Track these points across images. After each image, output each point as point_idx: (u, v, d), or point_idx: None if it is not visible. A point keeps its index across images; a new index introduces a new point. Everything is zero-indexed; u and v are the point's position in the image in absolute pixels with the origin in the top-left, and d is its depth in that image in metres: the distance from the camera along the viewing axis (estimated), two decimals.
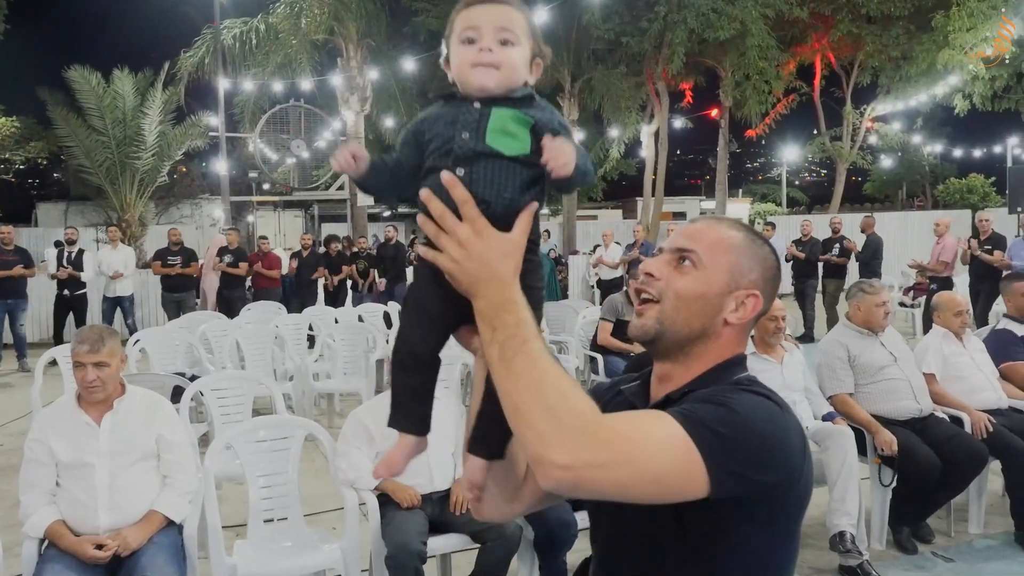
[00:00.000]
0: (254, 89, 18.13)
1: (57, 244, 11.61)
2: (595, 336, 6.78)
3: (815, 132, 25.29)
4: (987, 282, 9.51)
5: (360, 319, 8.39)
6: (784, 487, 1.13)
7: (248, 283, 11.66)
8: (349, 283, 12.31)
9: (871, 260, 11.07)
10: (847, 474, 3.79)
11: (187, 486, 3.14)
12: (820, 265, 11.34)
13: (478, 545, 3.34)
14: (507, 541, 3.27)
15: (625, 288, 6.98)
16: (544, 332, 3.02)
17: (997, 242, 9.92)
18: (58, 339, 10.41)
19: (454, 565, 3.74)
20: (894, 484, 4.09)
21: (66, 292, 10.55)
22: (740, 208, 34.53)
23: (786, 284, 11.63)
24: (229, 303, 10.94)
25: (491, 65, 1.13)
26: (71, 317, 10.70)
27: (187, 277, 11.13)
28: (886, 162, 34.23)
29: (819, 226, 13.33)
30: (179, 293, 11.01)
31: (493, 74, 1.13)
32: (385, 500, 3.35)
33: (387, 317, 8.94)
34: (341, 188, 18.58)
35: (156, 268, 11.07)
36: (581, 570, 1.43)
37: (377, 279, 12.09)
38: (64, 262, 10.48)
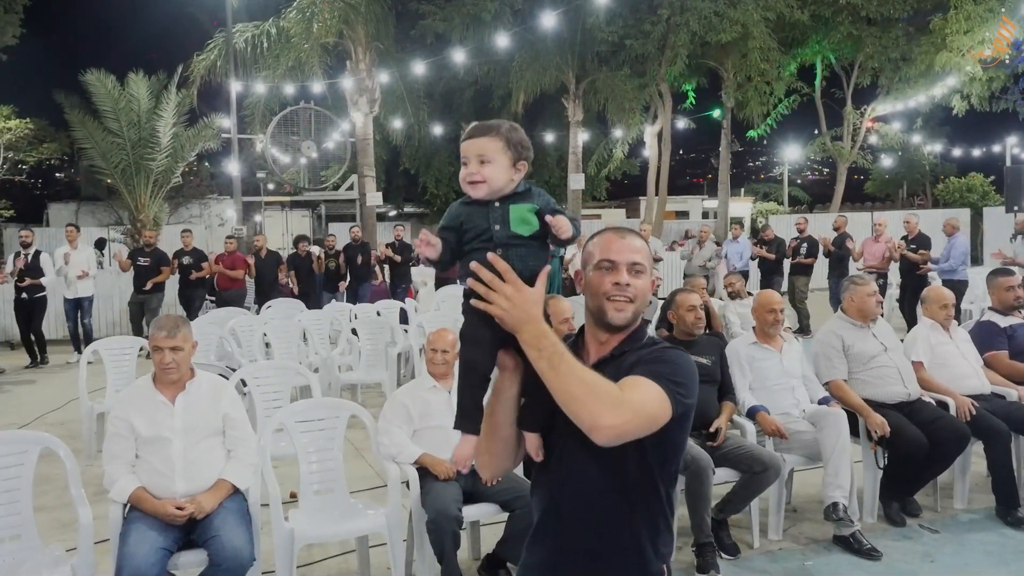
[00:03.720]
0: (265, 91, 18.51)
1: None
2: None
3: (816, 132, 25.64)
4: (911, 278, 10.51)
5: (378, 314, 8.76)
6: (694, 402, 1.72)
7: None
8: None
9: (845, 257, 11.70)
10: (840, 451, 4.16)
11: (250, 459, 3.52)
12: (787, 263, 12.03)
13: (507, 513, 3.71)
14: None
15: None
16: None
17: (922, 242, 10.75)
18: (26, 342, 10.52)
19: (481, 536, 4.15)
20: (886, 464, 4.46)
21: (24, 296, 10.31)
22: (742, 207, 34.85)
23: (754, 282, 12.24)
24: (188, 303, 11.15)
25: (477, 182, 1.65)
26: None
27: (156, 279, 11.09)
28: (887, 162, 34.55)
29: (817, 224, 13.68)
30: (144, 294, 10.99)
31: (482, 187, 1.66)
32: (424, 473, 3.73)
33: (403, 314, 9.32)
34: (350, 188, 18.94)
35: (124, 265, 11.16)
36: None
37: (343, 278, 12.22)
38: (21, 267, 10.25)
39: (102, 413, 5.96)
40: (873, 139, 27.24)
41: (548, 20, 15.81)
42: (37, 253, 10.38)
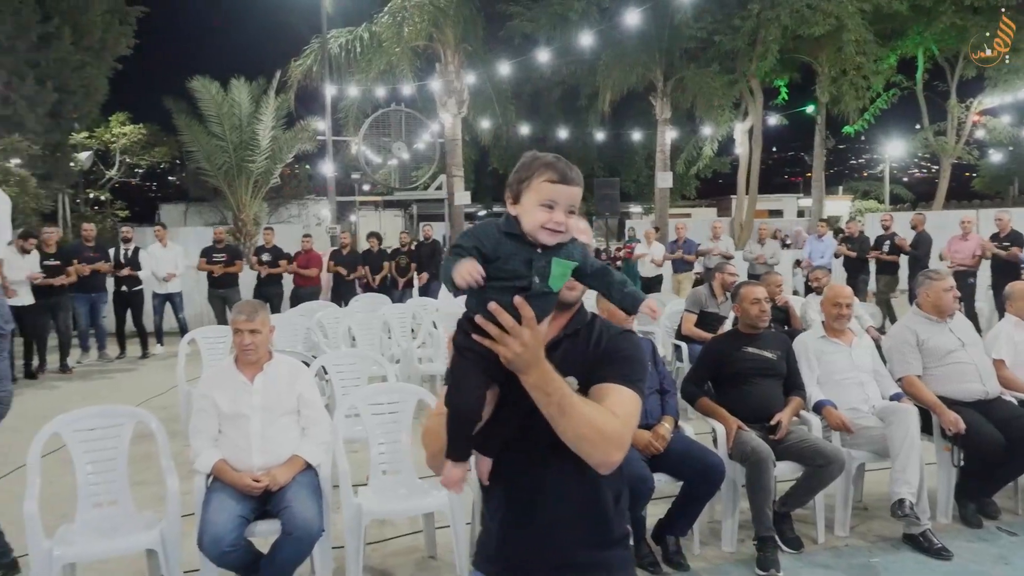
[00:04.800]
0: (358, 94, 19.12)
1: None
2: (680, 326, 7.18)
3: (918, 127, 24.62)
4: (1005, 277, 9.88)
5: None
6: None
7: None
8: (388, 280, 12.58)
9: (923, 257, 11.30)
10: (908, 447, 4.08)
11: (322, 437, 3.74)
12: (872, 262, 11.69)
13: None
14: None
15: (709, 282, 7.33)
16: (634, 324, 3.47)
17: (1016, 239, 10.35)
18: (120, 333, 11.14)
19: None
20: (962, 463, 4.35)
21: (124, 288, 10.94)
22: (840, 205, 33.78)
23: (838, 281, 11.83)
24: (267, 300, 11.25)
25: (558, 232, 1.56)
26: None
27: (231, 274, 11.50)
28: (996, 157, 32.81)
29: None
30: (223, 289, 11.44)
31: (559, 237, 1.57)
32: None
33: None
34: (439, 188, 19.34)
35: (201, 265, 11.51)
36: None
37: (417, 275, 12.45)
38: (121, 260, 10.90)
39: None
40: (980, 133, 25.93)
41: (635, 18, 15.75)
42: (136, 249, 11.08)
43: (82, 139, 21.63)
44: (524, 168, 1.61)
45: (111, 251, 10.99)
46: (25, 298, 9.14)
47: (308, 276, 11.85)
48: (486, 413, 1.66)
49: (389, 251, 12.81)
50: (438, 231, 14.16)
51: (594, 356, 1.77)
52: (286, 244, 12.54)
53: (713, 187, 35.32)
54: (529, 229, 1.55)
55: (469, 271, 1.49)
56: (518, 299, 1.52)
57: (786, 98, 23.40)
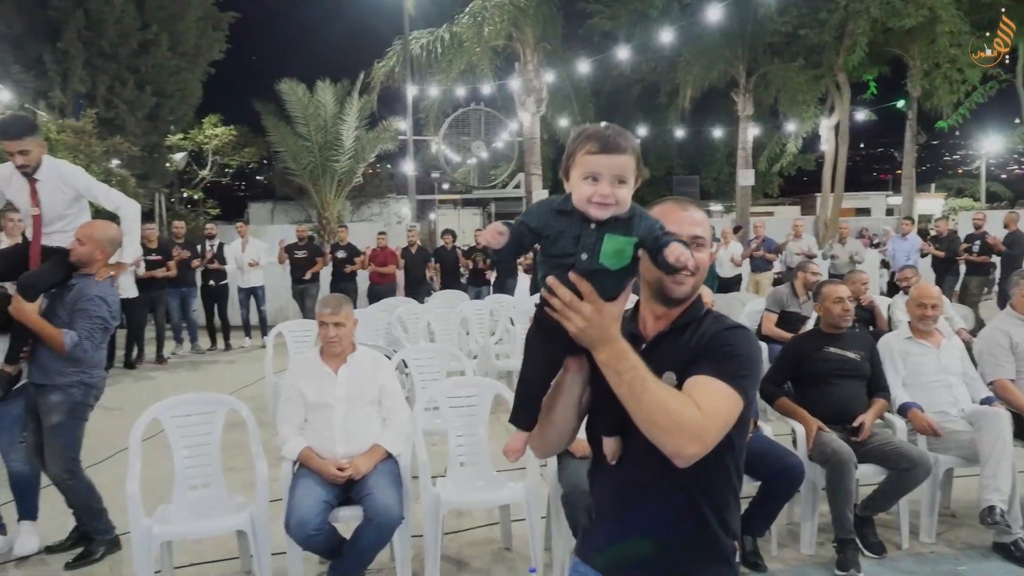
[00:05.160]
0: (438, 94, 19.41)
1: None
2: (760, 325, 7.06)
3: (1017, 121, 23.48)
4: None
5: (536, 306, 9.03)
6: (759, 382, 1.75)
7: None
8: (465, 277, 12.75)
9: (1018, 256, 10.73)
10: (999, 453, 3.94)
11: (403, 428, 3.85)
12: (962, 263, 11.18)
13: None
14: None
15: (791, 282, 7.18)
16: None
17: None
18: (210, 326, 11.64)
19: None
20: None
21: (211, 283, 11.45)
22: (932, 203, 32.51)
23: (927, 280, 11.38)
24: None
25: (607, 204, 1.45)
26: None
27: (311, 271, 11.75)
28: None
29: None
30: (302, 285, 11.75)
31: (610, 210, 1.46)
32: (563, 450, 3.91)
33: None
34: (518, 186, 19.47)
35: (281, 257, 11.80)
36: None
37: (490, 272, 12.54)
38: (207, 255, 11.37)
39: None
40: None
41: (717, 13, 15.52)
42: (220, 245, 11.60)
43: (177, 141, 22.59)
44: (571, 142, 1.54)
45: (198, 247, 11.48)
46: (130, 291, 9.62)
47: (385, 273, 12.10)
48: (576, 386, 1.65)
49: (465, 248, 12.96)
50: None
51: (696, 350, 1.68)
52: (368, 242, 12.83)
53: (797, 185, 34.46)
54: (578, 204, 1.47)
55: (490, 230, 1.46)
56: (573, 275, 1.47)
57: (875, 92, 22.63)
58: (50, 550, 4.33)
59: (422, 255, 12.63)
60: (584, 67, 17.85)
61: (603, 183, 1.46)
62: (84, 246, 4.02)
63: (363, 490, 3.58)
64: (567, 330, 1.50)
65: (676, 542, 1.68)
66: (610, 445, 1.71)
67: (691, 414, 1.52)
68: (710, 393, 1.58)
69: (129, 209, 4.29)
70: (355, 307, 4.44)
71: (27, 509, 4.35)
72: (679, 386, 1.61)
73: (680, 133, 25.18)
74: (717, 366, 1.62)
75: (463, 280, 12.66)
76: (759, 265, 12.63)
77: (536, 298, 1.59)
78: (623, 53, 17.19)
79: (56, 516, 4.62)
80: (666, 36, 16.21)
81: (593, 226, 1.47)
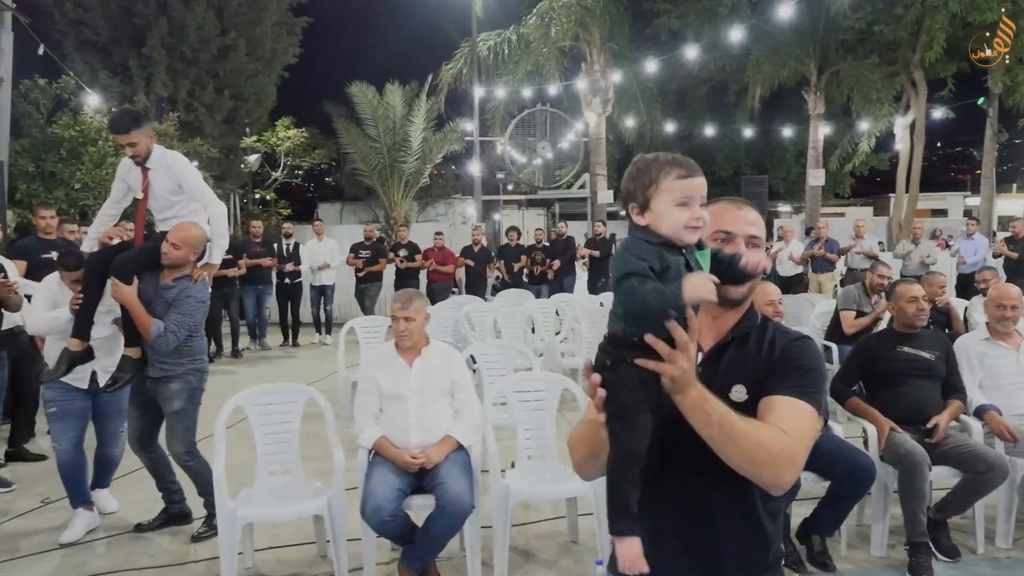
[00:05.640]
0: (505, 95, 19.57)
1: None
2: (830, 326, 6.98)
3: None
4: None
5: (601, 305, 9.08)
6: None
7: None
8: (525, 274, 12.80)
9: None
10: None
11: (474, 420, 3.96)
12: None
13: None
14: None
15: (862, 282, 7.07)
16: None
17: None
18: (283, 323, 11.96)
19: None
20: None
21: (286, 281, 11.78)
22: (1014, 204, 31.31)
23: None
24: None
25: (699, 227, 1.46)
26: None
27: (374, 270, 12.11)
28: None
29: None
30: (365, 284, 12.04)
31: (699, 232, 1.47)
32: None
33: None
34: (583, 187, 19.49)
35: (349, 260, 12.11)
36: None
37: (550, 269, 12.57)
38: (284, 254, 11.70)
39: (355, 382, 6.84)
40: None
41: (788, 10, 15.26)
42: (296, 245, 11.94)
43: (251, 143, 23.25)
44: (643, 174, 1.51)
45: (275, 246, 11.85)
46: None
47: (444, 272, 12.34)
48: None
49: (526, 246, 13.11)
50: (573, 229, 14.29)
51: (766, 364, 1.65)
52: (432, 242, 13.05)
53: (869, 185, 33.54)
54: (670, 231, 1.45)
55: (703, 283, 1.39)
56: (671, 323, 1.41)
57: (953, 89, 21.89)
58: (140, 528, 4.59)
59: (484, 254, 12.84)
60: (651, 67, 17.75)
61: (694, 206, 1.47)
62: (179, 249, 4.23)
63: (435, 479, 3.69)
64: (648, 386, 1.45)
65: (733, 555, 1.66)
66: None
67: (781, 443, 1.50)
68: (793, 414, 1.56)
69: (218, 210, 4.49)
70: None
71: (104, 481, 4.93)
72: (749, 399, 1.60)
73: (748, 132, 24.79)
74: (792, 383, 1.61)
75: (524, 279, 12.78)
76: (821, 266, 12.42)
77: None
78: (691, 52, 17.04)
79: (144, 500, 4.90)
80: (735, 34, 16.01)
81: (684, 251, 1.47)
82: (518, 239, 13.13)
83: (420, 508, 3.71)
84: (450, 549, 3.96)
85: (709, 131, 24.42)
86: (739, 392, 1.58)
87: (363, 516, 3.61)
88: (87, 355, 4.40)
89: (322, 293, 12.24)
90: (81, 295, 4.31)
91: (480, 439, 4.01)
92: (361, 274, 12.04)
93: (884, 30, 17.44)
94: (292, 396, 4.15)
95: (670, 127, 23.30)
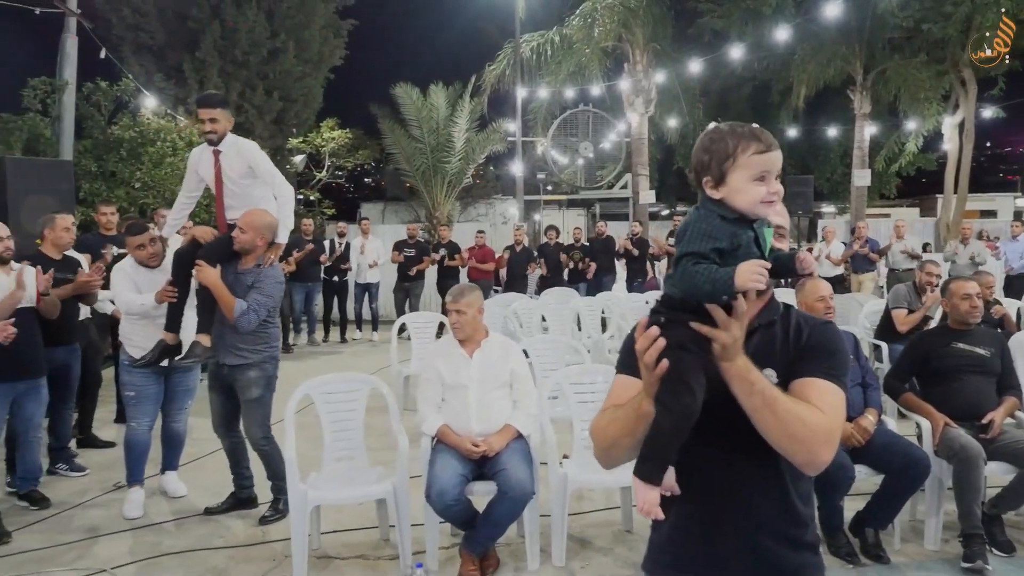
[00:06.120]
0: (547, 96, 19.68)
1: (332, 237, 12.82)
2: (880, 325, 6.98)
3: None
4: None
5: (647, 303, 9.15)
6: None
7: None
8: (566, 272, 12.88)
9: None
10: None
11: (532, 409, 4.09)
12: None
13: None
14: None
15: (913, 281, 7.05)
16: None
17: None
18: (327, 320, 12.14)
19: None
20: None
21: (335, 278, 11.98)
22: None
23: None
24: (444, 292, 11.79)
25: (774, 203, 1.50)
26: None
27: (417, 269, 12.13)
28: None
29: None
30: (408, 282, 12.19)
31: (775, 206, 1.51)
32: None
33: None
34: (624, 187, 19.52)
35: (393, 257, 12.22)
36: None
37: (589, 268, 12.63)
38: (337, 251, 11.91)
39: (408, 376, 7.06)
40: None
41: (834, 9, 15.12)
42: (348, 245, 12.20)
43: (297, 143, 23.65)
44: (720, 145, 1.52)
45: (326, 243, 12.07)
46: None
47: (484, 270, 12.49)
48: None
49: (564, 245, 13.21)
50: (613, 229, 14.34)
51: (795, 349, 1.65)
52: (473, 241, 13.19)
53: (916, 185, 32.95)
54: (747, 207, 1.48)
55: (755, 272, 1.41)
56: (741, 303, 1.46)
57: (1004, 88, 21.48)
58: (208, 511, 4.80)
59: (526, 254, 12.97)
60: (694, 67, 17.73)
61: (771, 180, 1.49)
62: (246, 234, 4.43)
63: (496, 466, 3.83)
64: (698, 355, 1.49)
65: (775, 527, 1.65)
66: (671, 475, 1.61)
67: (820, 419, 1.52)
68: (826, 394, 1.58)
69: (286, 191, 4.71)
70: None
71: (173, 463, 5.18)
72: (780, 383, 1.59)
73: (792, 132, 24.58)
74: (822, 365, 1.62)
75: (564, 277, 12.89)
76: (861, 266, 12.34)
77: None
78: (735, 52, 16.98)
79: (212, 485, 5.11)
80: (780, 34, 15.93)
81: (753, 224, 1.49)
82: (556, 237, 13.26)
83: (481, 494, 3.85)
84: (508, 536, 4.09)
85: None
86: (770, 376, 1.58)
87: (428, 500, 3.75)
88: (178, 347, 4.67)
89: (367, 290, 12.46)
90: (173, 288, 4.57)
91: (539, 428, 4.14)
92: (412, 272, 12.23)
93: (933, 28, 17.20)
94: (358, 385, 4.33)
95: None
